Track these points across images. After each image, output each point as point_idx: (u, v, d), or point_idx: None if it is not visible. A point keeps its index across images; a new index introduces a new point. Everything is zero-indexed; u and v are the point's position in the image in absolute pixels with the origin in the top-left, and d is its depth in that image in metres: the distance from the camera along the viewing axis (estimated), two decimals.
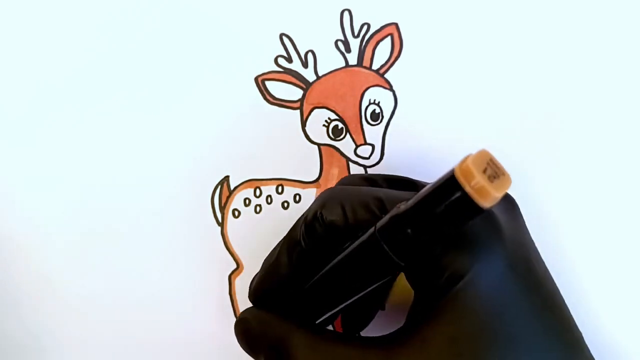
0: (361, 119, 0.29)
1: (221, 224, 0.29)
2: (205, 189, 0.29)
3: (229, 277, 0.30)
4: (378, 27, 0.28)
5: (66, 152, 0.29)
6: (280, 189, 0.29)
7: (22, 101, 0.29)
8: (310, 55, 0.28)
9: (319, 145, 0.29)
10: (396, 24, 0.28)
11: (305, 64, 0.28)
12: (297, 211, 0.29)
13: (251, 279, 0.29)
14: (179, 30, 0.28)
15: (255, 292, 0.26)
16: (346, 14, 0.28)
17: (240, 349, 0.30)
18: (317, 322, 0.24)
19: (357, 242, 0.22)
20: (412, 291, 0.23)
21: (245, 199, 0.29)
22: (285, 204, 0.29)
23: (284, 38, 0.28)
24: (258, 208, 0.29)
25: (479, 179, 0.17)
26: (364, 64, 0.28)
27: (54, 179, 0.29)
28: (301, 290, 0.24)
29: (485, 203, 0.18)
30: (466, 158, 0.18)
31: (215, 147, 0.29)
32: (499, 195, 0.17)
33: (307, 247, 0.23)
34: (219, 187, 0.29)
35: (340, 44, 0.28)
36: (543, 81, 0.28)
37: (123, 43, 0.28)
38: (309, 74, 0.28)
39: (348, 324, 0.28)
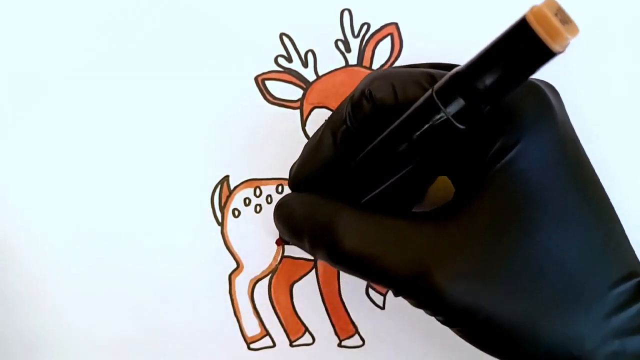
0: None
1: (221, 224, 0.29)
2: (205, 189, 0.29)
3: (229, 277, 0.30)
4: (378, 27, 0.28)
5: (66, 152, 0.29)
6: (280, 188, 0.29)
7: (22, 101, 0.29)
8: (310, 55, 0.28)
9: None
10: (396, 24, 0.28)
11: (305, 64, 0.28)
12: None
13: (251, 278, 0.29)
14: (179, 30, 0.28)
15: (297, 175, 0.25)
16: (346, 13, 0.28)
17: (241, 348, 0.30)
18: (362, 201, 0.24)
19: (412, 108, 0.20)
20: (450, 190, 0.23)
21: (245, 199, 0.29)
22: None
23: (284, 38, 0.28)
24: (258, 208, 0.29)
25: (553, 21, 0.17)
26: (364, 64, 0.28)
27: (54, 178, 0.29)
28: (346, 170, 0.23)
29: (557, 46, 0.17)
30: (534, 5, 0.17)
31: (215, 147, 0.29)
32: (571, 37, 0.17)
33: (353, 126, 0.22)
34: (219, 186, 0.29)
35: (340, 44, 0.28)
36: (544, 80, 0.28)
37: (123, 43, 0.28)
38: (309, 74, 0.28)
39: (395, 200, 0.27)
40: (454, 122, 0.19)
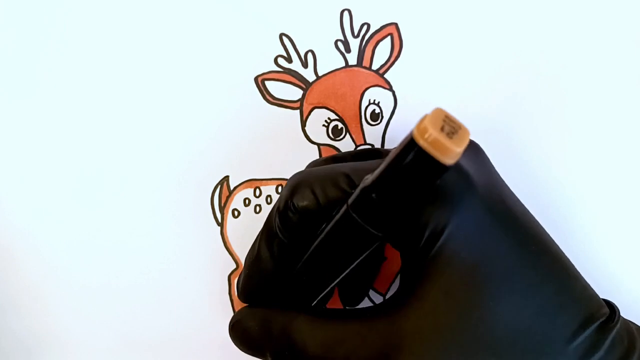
0: (361, 119, 0.29)
1: (221, 224, 0.29)
2: (205, 189, 0.29)
3: (229, 277, 0.30)
4: (378, 27, 0.28)
5: (65, 152, 0.29)
6: (280, 189, 0.29)
7: (22, 101, 0.29)
8: (310, 55, 0.28)
9: (318, 145, 0.29)
10: (396, 24, 0.28)
11: (305, 64, 0.28)
12: None
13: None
14: (179, 30, 0.28)
15: (244, 291, 0.26)
16: (346, 14, 0.28)
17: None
18: (312, 304, 0.24)
19: (332, 222, 0.22)
20: None
21: (245, 199, 0.29)
22: None
23: (284, 38, 0.28)
24: (258, 208, 0.29)
25: (439, 138, 0.17)
26: (364, 64, 0.28)
27: (52, 179, 0.29)
28: (289, 279, 0.24)
29: (448, 160, 0.18)
30: (423, 119, 0.18)
31: (215, 147, 0.29)
32: (459, 150, 0.18)
33: (285, 237, 0.23)
34: (219, 187, 0.29)
35: (340, 44, 0.28)
36: (544, 80, 0.28)
37: (123, 43, 0.28)
38: (308, 74, 0.28)
39: (345, 298, 0.28)
40: (372, 230, 0.20)
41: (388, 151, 0.26)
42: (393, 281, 0.29)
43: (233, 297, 0.30)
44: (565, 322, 0.21)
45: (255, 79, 0.28)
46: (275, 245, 0.24)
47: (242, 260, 0.29)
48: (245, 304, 0.26)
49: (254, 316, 0.25)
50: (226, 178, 0.29)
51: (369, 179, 0.20)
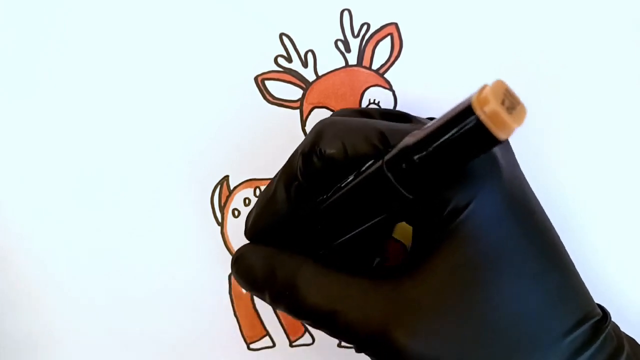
0: None
1: (221, 224, 0.29)
2: (205, 189, 0.29)
3: (229, 277, 0.30)
4: (378, 27, 0.28)
5: (65, 151, 0.29)
6: None
7: (22, 101, 0.29)
8: (310, 55, 0.28)
9: None
10: (396, 24, 0.28)
11: (305, 64, 0.28)
12: None
13: None
14: (179, 30, 0.28)
15: (253, 227, 0.25)
16: (346, 13, 0.28)
17: (241, 348, 0.30)
18: (321, 252, 0.24)
19: (361, 176, 0.21)
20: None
21: (245, 199, 0.29)
22: None
23: (284, 38, 0.28)
24: None
25: (499, 111, 0.17)
26: (364, 64, 0.28)
27: (52, 179, 0.29)
28: (301, 225, 0.24)
29: (503, 135, 0.17)
30: (483, 89, 0.17)
31: (214, 147, 0.29)
32: (516, 126, 0.17)
33: (305, 181, 0.23)
34: (219, 186, 0.29)
35: (340, 44, 0.28)
36: (544, 80, 0.28)
37: (123, 43, 0.28)
38: (308, 74, 0.28)
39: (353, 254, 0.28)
40: (405, 193, 0.20)
41: (417, 118, 0.25)
42: None
43: (233, 297, 0.30)
44: (564, 315, 0.21)
45: (255, 78, 0.28)
46: (293, 187, 0.23)
47: None
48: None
49: (259, 254, 0.24)
50: (226, 178, 0.29)
51: (410, 140, 0.19)
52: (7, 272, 0.30)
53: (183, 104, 0.29)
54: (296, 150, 0.24)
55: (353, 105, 0.28)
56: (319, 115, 0.29)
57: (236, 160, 0.29)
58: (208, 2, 0.28)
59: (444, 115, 0.18)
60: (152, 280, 0.30)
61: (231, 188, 0.29)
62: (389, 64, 0.28)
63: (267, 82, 0.28)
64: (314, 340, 0.30)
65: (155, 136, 0.29)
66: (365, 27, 0.28)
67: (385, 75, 0.28)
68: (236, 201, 0.29)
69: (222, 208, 0.29)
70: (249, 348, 0.30)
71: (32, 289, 0.30)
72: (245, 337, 0.30)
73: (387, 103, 0.28)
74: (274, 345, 0.30)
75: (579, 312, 0.22)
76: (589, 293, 0.23)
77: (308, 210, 0.23)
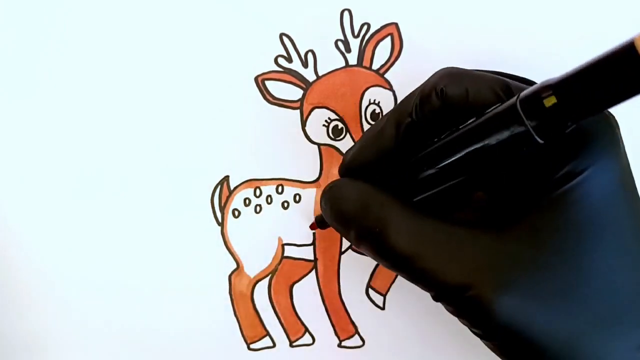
0: (361, 119, 0.29)
1: (221, 224, 0.29)
2: (205, 189, 0.29)
3: (229, 277, 0.30)
4: (378, 27, 0.28)
5: (64, 152, 0.29)
6: (280, 189, 0.29)
7: (22, 101, 0.29)
8: (310, 55, 0.28)
9: (319, 145, 0.29)
10: (396, 24, 0.28)
11: (305, 64, 0.28)
12: (297, 211, 0.29)
13: (251, 278, 0.29)
14: (179, 29, 0.28)
15: (353, 160, 0.24)
16: (346, 14, 0.28)
17: (241, 348, 0.30)
18: (415, 199, 0.23)
19: (489, 113, 0.20)
20: None
21: (245, 199, 0.29)
22: (285, 204, 0.29)
23: (284, 38, 0.28)
24: (258, 208, 0.29)
25: None
26: (364, 64, 0.28)
27: (54, 178, 0.29)
28: (405, 165, 0.23)
29: None
30: None
31: (215, 147, 0.29)
32: None
33: (419, 120, 0.22)
34: (219, 187, 0.29)
35: (340, 44, 0.28)
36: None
37: (123, 43, 0.28)
38: (309, 74, 0.28)
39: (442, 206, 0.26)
40: (535, 136, 0.19)
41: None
42: (393, 281, 0.29)
43: (233, 297, 0.30)
44: None
45: (255, 79, 0.28)
46: (404, 125, 0.22)
47: (242, 260, 0.29)
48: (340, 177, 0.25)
49: (355, 188, 0.23)
50: (226, 178, 0.29)
51: (553, 79, 0.18)
52: (6, 272, 0.30)
53: (183, 104, 0.29)
54: (413, 92, 0.23)
55: (353, 105, 0.28)
56: (319, 115, 0.29)
57: (236, 160, 0.29)
58: (208, 2, 0.28)
59: (598, 57, 0.17)
60: (152, 280, 0.30)
61: (231, 188, 0.29)
62: (389, 64, 0.28)
63: (267, 82, 0.28)
64: (314, 340, 0.30)
65: (155, 136, 0.29)
66: (365, 27, 0.28)
67: (386, 75, 0.28)
68: (236, 201, 0.29)
69: (222, 208, 0.29)
70: (249, 348, 0.30)
71: (31, 289, 0.30)
72: (246, 337, 0.30)
73: (387, 103, 0.28)
74: (274, 345, 0.30)
75: None
76: None
77: (417, 150, 0.22)
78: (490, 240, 0.21)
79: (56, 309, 0.30)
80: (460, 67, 0.23)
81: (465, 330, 0.22)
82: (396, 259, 0.22)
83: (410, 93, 0.23)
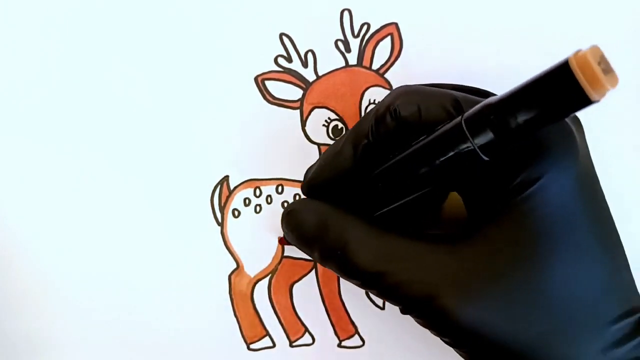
0: None
1: (221, 224, 0.29)
2: (205, 189, 0.29)
3: (229, 277, 0.30)
4: (378, 27, 0.28)
5: (65, 152, 0.29)
6: (280, 189, 0.29)
7: (22, 102, 0.29)
8: (310, 55, 0.28)
9: (319, 145, 0.29)
10: (396, 24, 0.28)
11: (305, 64, 0.28)
12: None
13: (251, 278, 0.29)
14: (179, 29, 0.28)
15: (313, 180, 0.25)
16: (346, 13, 0.28)
17: (241, 348, 0.30)
18: (375, 215, 0.24)
19: (437, 132, 0.21)
20: (461, 206, 0.23)
21: (245, 199, 0.29)
22: (285, 204, 0.29)
23: (284, 38, 0.28)
24: (258, 208, 0.29)
25: (595, 69, 0.16)
26: (364, 64, 0.28)
27: (53, 179, 0.29)
28: (362, 183, 0.23)
29: (596, 95, 0.17)
30: (579, 50, 0.17)
31: (214, 147, 0.29)
32: (610, 88, 0.17)
33: (375, 140, 0.23)
34: (219, 187, 0.29)
35: (340, 44, 0.28)
36: None
37: (123, 43, 0.28)
38: (308, 74, 0.28)
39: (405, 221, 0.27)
40: (480, 153, 0.19)
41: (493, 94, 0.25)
42: None
43: (233, 297, 0.30)
44: (614, 304, 0.21)
45: (255, 79, 0.28)
46: (361, 146, 0.23)
47: (242, 260, 0.29)
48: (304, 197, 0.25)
49: (313, 210, 0.24)
50: (226, 178, 0.29)
51: (494, 98, 0.19)
52: (6, 272, 0.30)
53: (183, 103, 0.29)
54: (369, 112, 0.24)
55: (353, 105, 0.28)
56: (319, 115, 0.29)
57: (236, 160, 0.29)
58: (208, 2, 0.28)
59: (537, 75, 0.18)
60: (152, 280, 0.30)
61: (231, 188, 0.29)
62: (389, 64, 0.28)
63: (267, 82, 0.28)
64: (314, 340, 0.30)
65: (155, 136, 0.29)
66: (365, 27, 0.28)
67: (385, 75, 0.28)
68: (236, 201, 0.29)
69: (222, 208, 0.29)
70: (249, 348, 0.30)
71: (31, 289, 0.30)
72: (245, 337, 0.30)
73: None
74: (274, 345, 0.30)
75: (628, 304, 0.21)
76: (635, 287, 0.23)
77: (373, 167, 0.23)
78: (446, 253, 0.21)
79: (56, 308, 0.30)
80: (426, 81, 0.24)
81: None
82: (361, 277, 0.22)
83: (367, 112, 0.24)
